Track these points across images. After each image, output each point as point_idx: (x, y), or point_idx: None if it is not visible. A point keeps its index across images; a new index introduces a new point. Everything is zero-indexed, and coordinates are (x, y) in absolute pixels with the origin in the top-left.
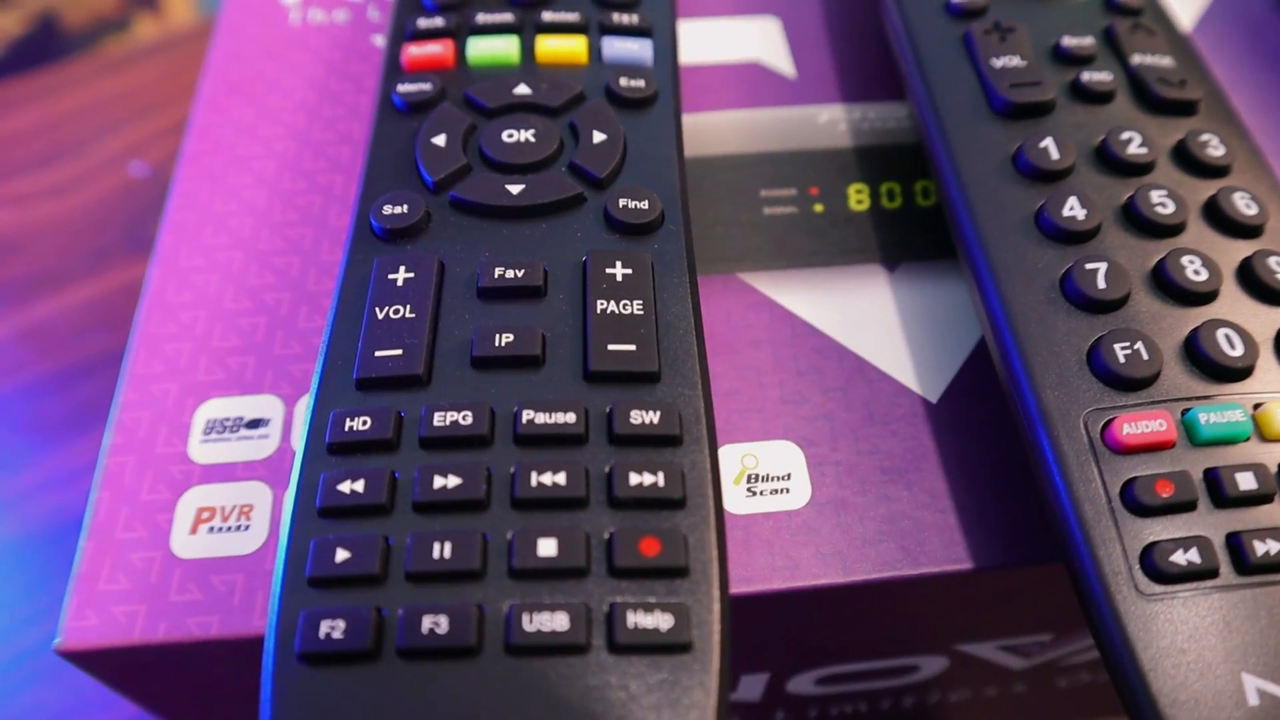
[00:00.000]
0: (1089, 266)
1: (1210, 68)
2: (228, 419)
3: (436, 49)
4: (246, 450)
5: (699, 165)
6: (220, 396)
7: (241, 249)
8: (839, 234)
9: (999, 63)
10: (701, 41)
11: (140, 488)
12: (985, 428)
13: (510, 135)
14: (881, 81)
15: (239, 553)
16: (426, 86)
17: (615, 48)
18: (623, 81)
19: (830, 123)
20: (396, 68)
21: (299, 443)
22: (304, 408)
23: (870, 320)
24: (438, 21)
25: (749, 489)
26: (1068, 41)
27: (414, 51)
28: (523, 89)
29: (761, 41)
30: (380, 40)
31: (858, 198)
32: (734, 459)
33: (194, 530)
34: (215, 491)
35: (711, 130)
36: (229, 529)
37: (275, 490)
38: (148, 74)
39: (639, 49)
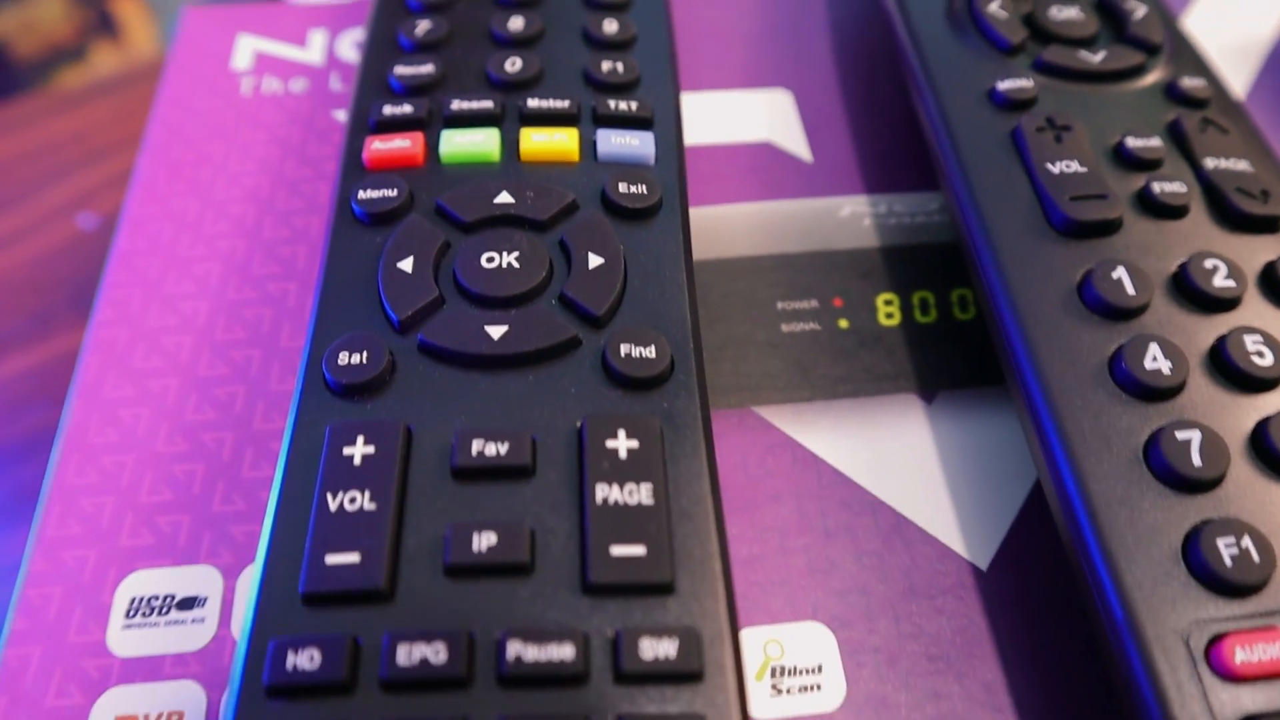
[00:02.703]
0: (1180, 436)
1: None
2: (155, 597)
3: (404, 144)
4: (177, 638)
5: (706, 270)
6: (147, 568)
7: (177, 375)
8: (868, 356)
9: (1056, 169)
10: (705, 118)
11: (46, 691)
12: (1045, 601)
13: (490, 260)
14: (908, 166)
15: None
16: (392, 193)
17: (612, 143)
18: (621, 188)
19: (853, 217)
20: (357, 164)
21: (232, 679)
22: (247, 583)
23: (907, 466)
24: (406, 109)
25: (774, 686)
26: (1132, 143)
27: (378, 147)
28: (504, 197)
29: (772, 118)
30: (343, 116)
31: (887, 310)
32: (756, 646)
33: None
34: (138, 695)
35: (719, 227)
36: None
37: (210, 693)
38: (103, 112)
39: (639, 144)
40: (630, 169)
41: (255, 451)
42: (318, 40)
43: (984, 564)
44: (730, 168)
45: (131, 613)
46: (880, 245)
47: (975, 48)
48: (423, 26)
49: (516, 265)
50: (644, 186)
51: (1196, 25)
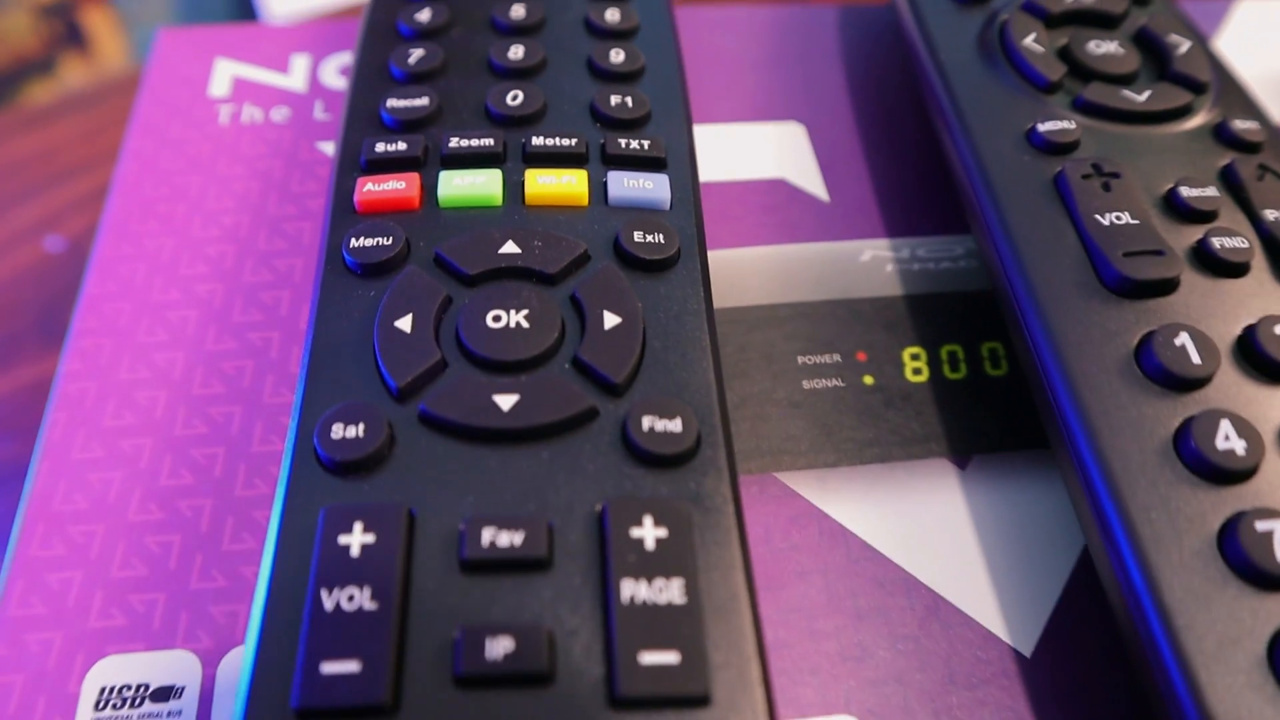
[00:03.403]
0: (1260, 528)
1: None
2: (128, 687)
3: (398, 187)
4: None
5: (719, 320)
6: (119, 653)
7: (151, 435)
8: (896, 417)
9: (1106, 220)
10: (714, 153)
11: None
12: (1094, 691)
13: (497, 319)
14: (931, 206)
15: None
16: (387, 241)
17: (624, 186)
18: (637, 237)
19: (874, 263)
20: (348, 207)
21: None
22: (228, 671)
23: (941, 539)
24: (400, 146)
25: None
26: (1186, 193)
27: (370, 189)
28: (510, 247)
29: (784, 154)
30: (328, 148)
31: (914, 365)
32: None
33: None
34: None
35: (732, 272)
36: None
37: None
38: (71, 129)
39: (653, 187)
40: (644, 215)
41: (236, 521)
42: (300, 65)
43: (1028, 649)
44: (741, 207)
45: (101, 704)
46: (904, 294)
47: (1010, 84)
48: (416, 55)
49: (526, 325)
50: (661, 235)
51: (1223, 52)
